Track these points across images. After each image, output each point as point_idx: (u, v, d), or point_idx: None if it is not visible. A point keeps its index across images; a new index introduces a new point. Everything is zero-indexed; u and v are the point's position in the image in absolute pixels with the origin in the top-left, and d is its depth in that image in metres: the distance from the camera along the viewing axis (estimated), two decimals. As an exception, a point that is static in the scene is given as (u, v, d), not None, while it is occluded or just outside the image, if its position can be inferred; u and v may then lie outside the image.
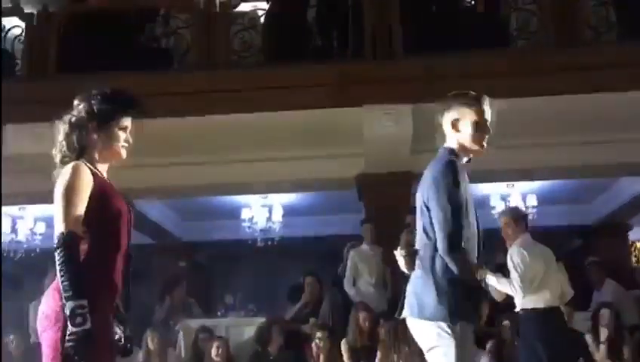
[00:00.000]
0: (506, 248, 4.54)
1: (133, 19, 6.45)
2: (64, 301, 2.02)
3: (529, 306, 4.36)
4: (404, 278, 2.62)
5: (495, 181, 7.17)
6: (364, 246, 6.13)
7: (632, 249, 9.72)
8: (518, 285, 4.27)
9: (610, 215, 8.21)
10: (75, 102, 2.35)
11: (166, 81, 5.81)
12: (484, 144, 2.61)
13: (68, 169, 2.20)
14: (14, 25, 6.42)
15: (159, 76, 5.90)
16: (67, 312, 2.00)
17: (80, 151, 2.28)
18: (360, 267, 6.03)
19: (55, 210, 2.16)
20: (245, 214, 8.22)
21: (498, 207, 7.55)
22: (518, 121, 5.19)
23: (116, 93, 2.34)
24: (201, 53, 6.16)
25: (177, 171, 6.55)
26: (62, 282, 2.03)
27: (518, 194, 7.64)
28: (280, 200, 8.19)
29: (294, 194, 8.10)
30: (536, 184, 7.53)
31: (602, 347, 5.28)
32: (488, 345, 5.30)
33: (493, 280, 4.20)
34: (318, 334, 5.37)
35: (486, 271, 3.41)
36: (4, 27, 6.43)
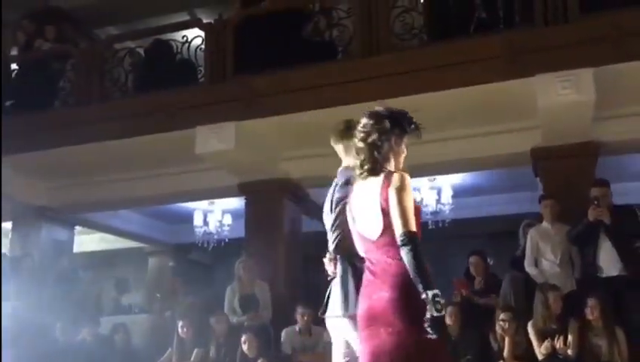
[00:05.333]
0: None
1: (298, 16, 6.67)
2: (421, 290, 2.29)
3: None
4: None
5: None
6: (545, 224, 5.80)
7: None
8: None
9: None
10: (372, 118, 2.58)
11: (332, 71, 5.94)
12: None
13: (402, 177, 2.48)
14: (196, 35, 6.86)
15: (326, 68, 6.05)
16: (428, 299, 2.28)
17: (386, 159, 2.56)
18: (541, 246, 5.71)
19: (396, 211, 2.42)
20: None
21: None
22: None
23: (405, 113, 2.61)
24: (364, 41, 6.18)
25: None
26: (418, 275, 2.32)
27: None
28: (449, 181, 8.03)
29: (462, 174, 7.87)
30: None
31: None
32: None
33: None
34: (502, 316, 5.15)
35: None
36: (188, 38, 6.98)
